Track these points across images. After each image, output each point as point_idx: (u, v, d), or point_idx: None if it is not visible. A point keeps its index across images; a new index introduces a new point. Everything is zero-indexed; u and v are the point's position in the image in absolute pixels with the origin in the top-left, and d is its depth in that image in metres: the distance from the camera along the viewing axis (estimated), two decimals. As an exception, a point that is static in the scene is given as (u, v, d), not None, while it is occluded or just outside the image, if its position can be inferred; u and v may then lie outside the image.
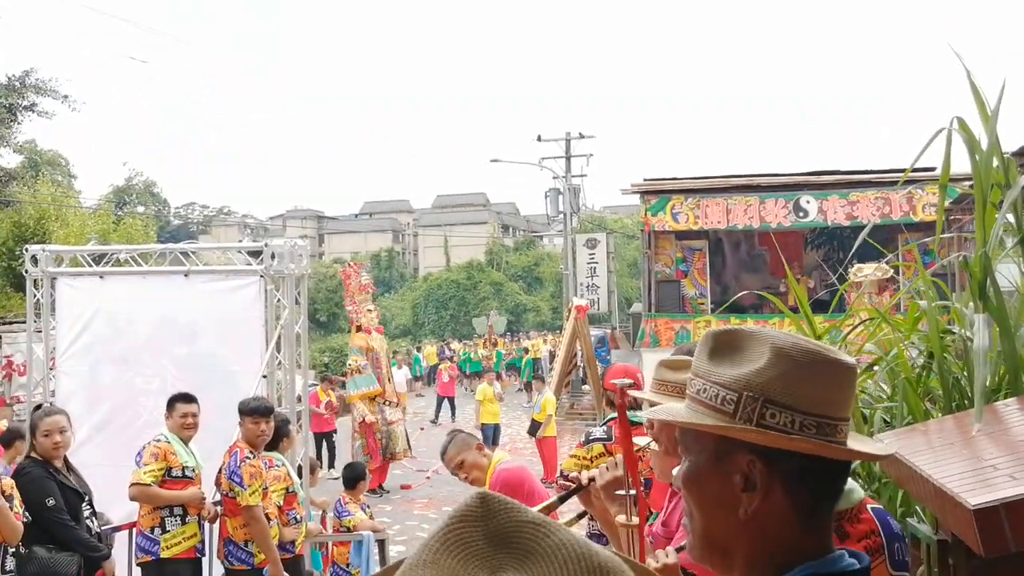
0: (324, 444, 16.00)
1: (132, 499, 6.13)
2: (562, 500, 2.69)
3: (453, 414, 23.34)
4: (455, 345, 39.83)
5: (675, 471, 1.35)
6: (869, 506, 2.08)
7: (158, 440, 6.19)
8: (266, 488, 6.15)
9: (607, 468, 2.70)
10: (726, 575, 1.26)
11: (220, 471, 6.16)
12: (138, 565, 6.22)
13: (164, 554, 6.02)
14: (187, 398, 6.34)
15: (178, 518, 6.11)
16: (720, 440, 1.23)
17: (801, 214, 19.49)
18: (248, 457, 6.03)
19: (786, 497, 1.19)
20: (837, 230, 20.23)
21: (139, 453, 6.17)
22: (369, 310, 15.05)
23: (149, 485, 6.01)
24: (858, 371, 3.98)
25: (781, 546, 1.20)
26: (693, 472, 1.27)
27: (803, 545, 1.20)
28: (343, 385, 16.48)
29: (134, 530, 6.32)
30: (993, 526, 1.90)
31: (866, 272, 9.86)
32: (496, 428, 16.83)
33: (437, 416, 23.46)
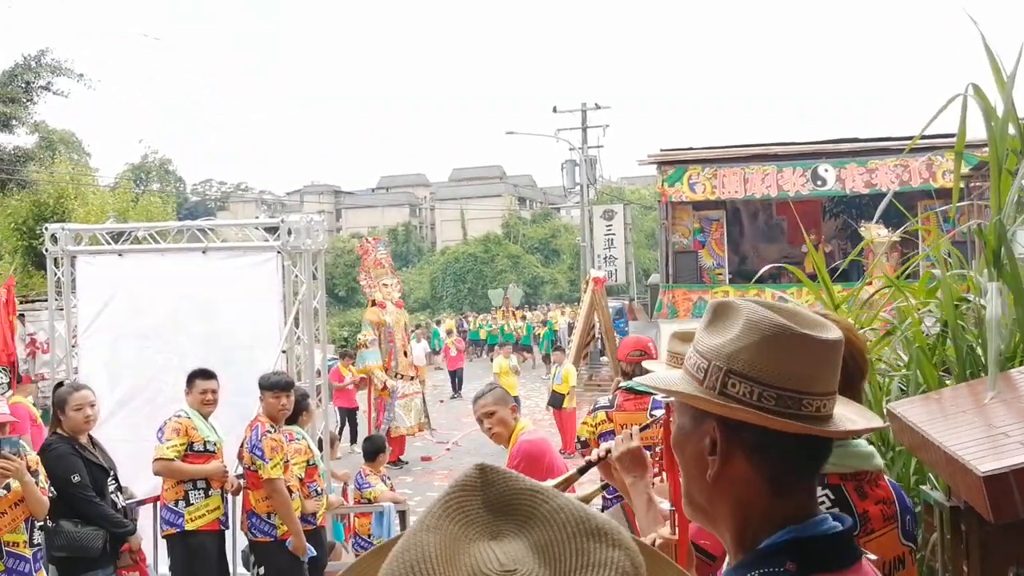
0: (347, 420, 16.10)
1: (156, 474, 6.24)
2: (581, 472, 2.72)
3: (460, 387, 23.33)
4: (472, 318, 39.88)
5: None
6: (886, 478, 2.12)
7: (179, 416, 6.27)
8: (287, 461, 6.22)
9: (622, 440, 2.73)
10: (716, 534, 1.32)
11: (242, 445, 6.24)
12: (163, 537, 6.35)
13: (189, 526, 6.13)
14: (207, 374, 6.41)
15: (201, 491, 6.21)
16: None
17: (819, 182, 19.33)
18: (269, 431, 6.10)
19: (747, 464, 1.23)
20: (856, 198, 20.06)
21: (160, 429, 6.26)
22: (385, 284, 15.04)
23: (172, 460, 6.10)
24: (867, 342, 3.97)
25: (753, 510, 1.23)
26: (679, 435, 1.33)
27: (776, 511, 1.22)
28: (353, 360, 16.52)
29: (158, 503, 6.43)
30: (1003, 493, 1.92)
31: (880, 232, 9.72)
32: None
33: (455, 389, 23.56)
